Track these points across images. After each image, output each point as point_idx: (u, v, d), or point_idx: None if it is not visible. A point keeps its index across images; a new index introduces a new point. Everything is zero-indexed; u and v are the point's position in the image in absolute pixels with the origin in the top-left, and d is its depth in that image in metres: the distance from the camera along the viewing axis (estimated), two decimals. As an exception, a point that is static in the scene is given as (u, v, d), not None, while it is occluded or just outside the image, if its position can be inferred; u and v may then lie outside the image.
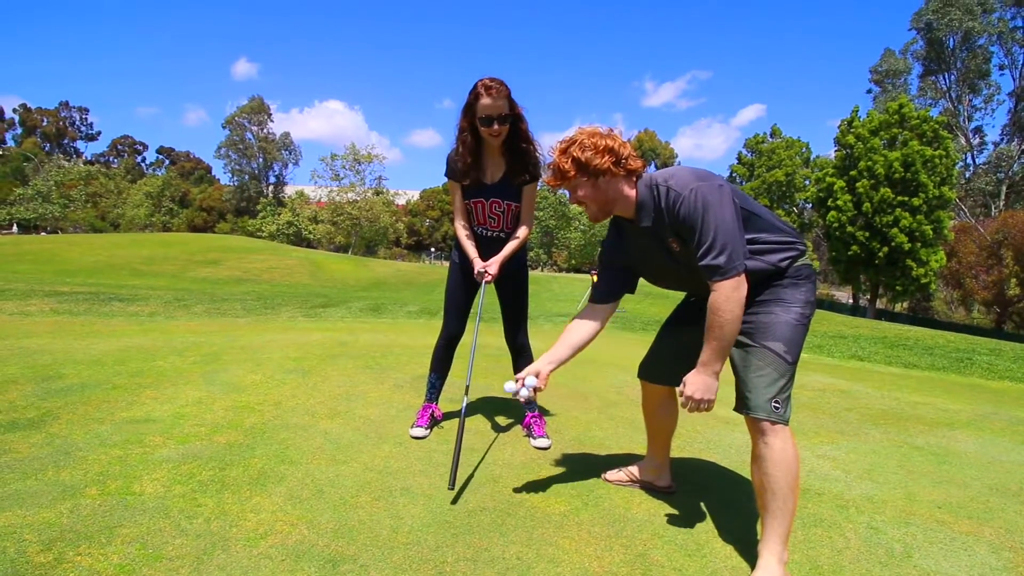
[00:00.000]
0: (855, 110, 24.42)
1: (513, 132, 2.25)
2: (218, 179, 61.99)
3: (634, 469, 2.12)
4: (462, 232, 2.41)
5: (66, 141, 67.34)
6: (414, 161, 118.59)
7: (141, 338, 4.31)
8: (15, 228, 41.72)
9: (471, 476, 2.10)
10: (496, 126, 2.17)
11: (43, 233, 35.48)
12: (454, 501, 1.86)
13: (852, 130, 23.66)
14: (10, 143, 63.59)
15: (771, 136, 38.50)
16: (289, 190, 56.33)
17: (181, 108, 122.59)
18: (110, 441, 2.19)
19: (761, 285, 1.66)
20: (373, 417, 2.72)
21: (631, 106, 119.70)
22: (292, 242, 47.44)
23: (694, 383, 1.58)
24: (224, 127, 56.10)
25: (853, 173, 23.12)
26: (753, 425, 1.57)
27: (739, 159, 38.56)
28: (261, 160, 57.48)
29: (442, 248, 57.65)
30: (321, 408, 2.81)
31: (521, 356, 2.53)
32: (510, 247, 2.37)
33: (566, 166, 1.66)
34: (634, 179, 1.69)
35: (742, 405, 1.60)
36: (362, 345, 4.64)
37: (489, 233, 2.42)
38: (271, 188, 57.79)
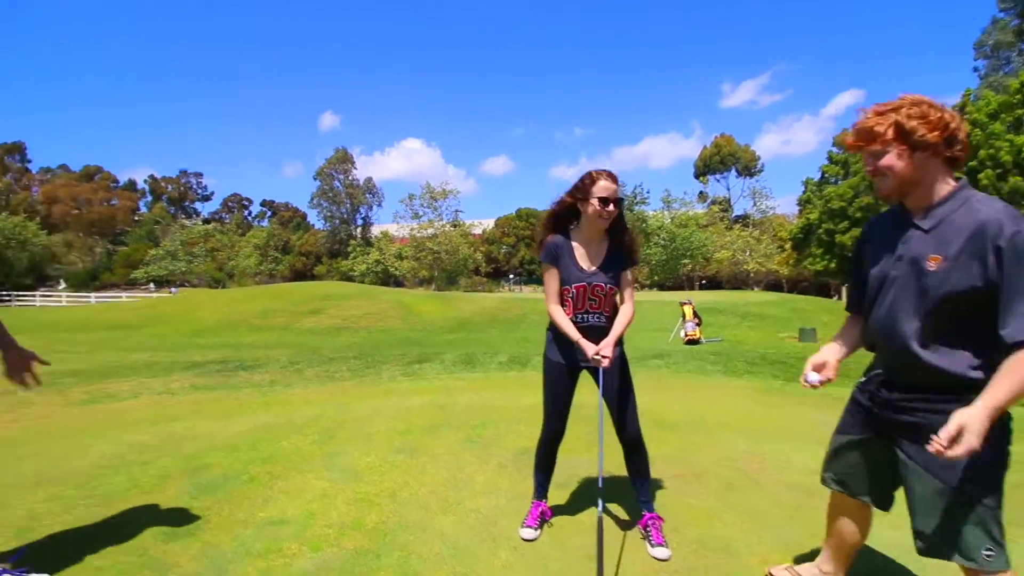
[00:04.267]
0: (966, 93, 21.85)
1: (618, 216, 2.35)
2: (313, 225, 67.36)
3: (803, 571, 1.98)
4: (561, 316, 2.36)
5: (186, 203, 76.70)
6: (487, 189, 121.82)
7: (265, 414, 4.72)
8: (152, 285, 47.74)
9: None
10: (612, 207, 2.27)
11: (173, 290, 40.34)
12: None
13: (965, 116, 21.19)
14: (143, 209, 73.39)
15: (866, 128, 35.32)
16: (375, 230, 60.07)
17: (279, 163, 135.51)
18: (254, 550, 2.38)
19: (944, 395, 1.44)
20: (484, 510, 2.76)
21: (708, 111, 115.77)
22: (381, 279, 50.30)
23: (964, 419, 1.32)
24: (315, 178, 61.19)
25: (973, 163, 20.59)
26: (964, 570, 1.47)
27: (830, 158, 35.79)
28: (349, 205, 61.89)
29: (520, 273, 58.47)
30: (433, 499, 2.90)
31: (635, 451, 2.43)
32: (618, 328, 2.32)
33: (881, 128, 1.45)
34: (952, 171, 1.48)
35: (943, 546, 1.46)
36: (460, 410, 4.75)
37: (589, 318, 2.38)
38: (359, 230, 61.91)
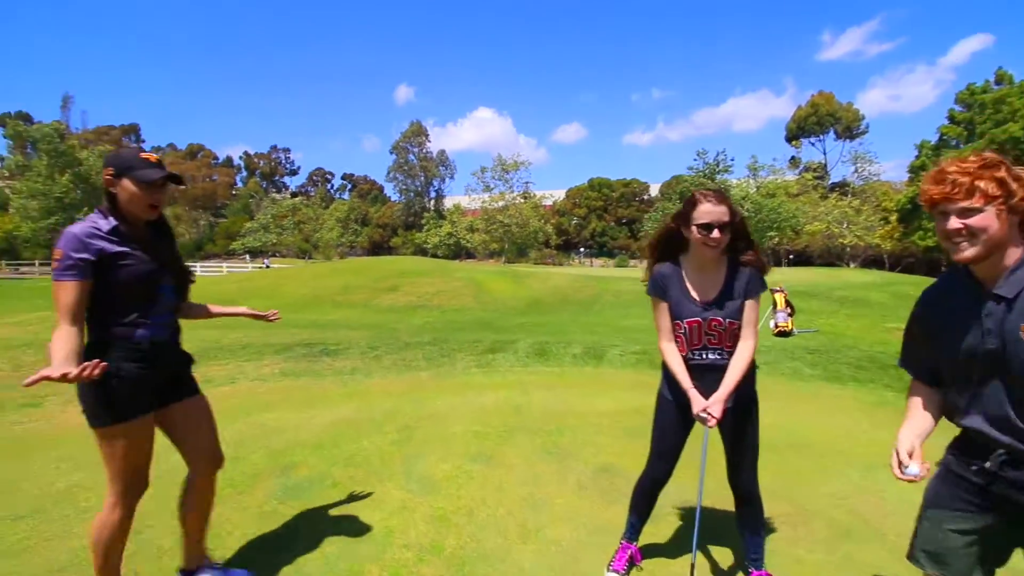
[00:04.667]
0: None
1: (735, 240, 2.05)
2: (390, 198, 69.76)
3: None
4: (673, 358, 2.12)
5: (276, 178, 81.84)
6: (558, 158, 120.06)
7: (346, 406, 4.87)
8: (247, 256, 51.71)
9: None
10: (717, 233, 1.96)
11: (266, 261, 43.42)
12: None
13: None
14: (239, 184, 79.18)
15: (996, 83, 30.74)
16: (447, 202, 61.25)
17: (358, 137, 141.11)
18: (338, 570, 2.41)
19: None
20: (564, 542, 2.64)
21: (803, 65, 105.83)
22: (453, 252, 51.40)
23: None
24: (391, 152, 62.96)
25: None
26: None
27: (951, 118, 31.59)
28: (423, 178, 63.32)
29: (591, 246, 57.49)
30: (511, 523, 2.81)
31: (749, 505, 2.18)
32: (734, 377, 2.01)
33: (983, 183, 1.34)
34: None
35: None
36: (536, 413, 4.65)
37: (708, 355, 2.09)
38: (432, 202, 63.35)
